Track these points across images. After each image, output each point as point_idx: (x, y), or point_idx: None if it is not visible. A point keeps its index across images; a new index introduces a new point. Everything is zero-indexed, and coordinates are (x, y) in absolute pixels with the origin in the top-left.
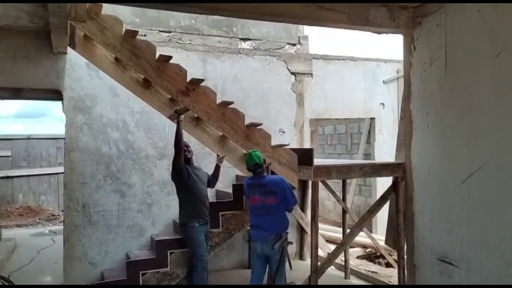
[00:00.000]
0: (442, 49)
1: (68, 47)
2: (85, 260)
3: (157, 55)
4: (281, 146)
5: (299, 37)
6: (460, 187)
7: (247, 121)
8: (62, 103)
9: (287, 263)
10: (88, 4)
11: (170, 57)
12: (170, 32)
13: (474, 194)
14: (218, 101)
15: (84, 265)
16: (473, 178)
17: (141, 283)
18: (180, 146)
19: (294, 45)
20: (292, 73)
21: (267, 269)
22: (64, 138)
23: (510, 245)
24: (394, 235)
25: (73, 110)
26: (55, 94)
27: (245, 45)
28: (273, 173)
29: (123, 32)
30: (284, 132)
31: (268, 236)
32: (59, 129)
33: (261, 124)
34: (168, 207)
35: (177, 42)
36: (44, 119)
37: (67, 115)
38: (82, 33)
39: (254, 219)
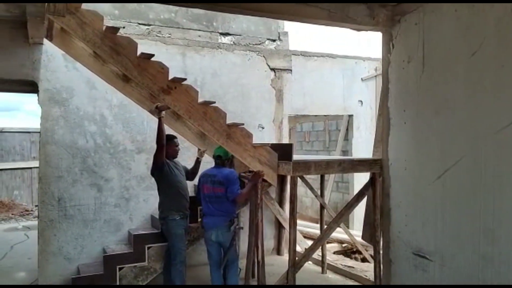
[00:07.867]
0: (419, 47)
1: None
2: (60, 255)
3: (138, 52)
4: (262, 145)
5: (279, 33)
6: (435, 183)
7: (227, 116)
8: (38, 94)
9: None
10: None
11: (152, 55)
12: (150, 25)
13: (448, 190)
14: (200, 99)
15: (59, 260)
16: (447, 174)
17: (118, 278)
18: (162, 142)
19: (274, 41)
20: (272, 69)
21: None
22: (38, 132)
23: (481, 239)
24: (370, 230)
25: (49, 102)
26: (30, 86)
27: (225, 40)
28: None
29: (104, 28)
30: (263, 128)
31: (221, 223)
32: (32, 123)
33: (243, 124)
34: (146, 201)
35: (156, 35)
36: (16, 113)
37: (43, 107)
38: (59, 26)
39: (206, 206)
